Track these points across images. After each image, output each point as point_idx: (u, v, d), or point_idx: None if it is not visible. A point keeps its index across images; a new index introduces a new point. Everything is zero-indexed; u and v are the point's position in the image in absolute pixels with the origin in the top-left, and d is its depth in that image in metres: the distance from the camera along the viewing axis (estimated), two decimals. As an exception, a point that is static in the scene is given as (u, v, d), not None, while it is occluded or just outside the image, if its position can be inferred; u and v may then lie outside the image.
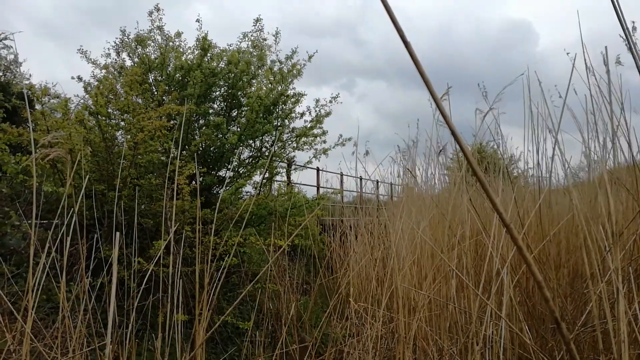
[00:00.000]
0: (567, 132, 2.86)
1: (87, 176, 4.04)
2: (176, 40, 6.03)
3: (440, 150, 3.62)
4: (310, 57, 5.98)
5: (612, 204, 1.69)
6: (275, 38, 6.01)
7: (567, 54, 2.54)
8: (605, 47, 2.38)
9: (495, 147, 3.88)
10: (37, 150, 2.09)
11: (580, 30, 2.33)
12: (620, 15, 1.26)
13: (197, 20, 5.76)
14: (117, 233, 1.70)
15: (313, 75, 5.97)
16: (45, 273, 2.01)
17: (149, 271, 2.63)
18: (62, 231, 2.10)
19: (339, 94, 6.06)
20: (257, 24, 5.87)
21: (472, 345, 2.21)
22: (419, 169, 4.14)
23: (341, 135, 6.03)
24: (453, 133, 0.46)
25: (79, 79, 5.50)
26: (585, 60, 2.39)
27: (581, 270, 2.90)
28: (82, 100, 5.20)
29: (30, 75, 12.00)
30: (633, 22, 2.69)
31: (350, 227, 6.47)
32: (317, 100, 6.00)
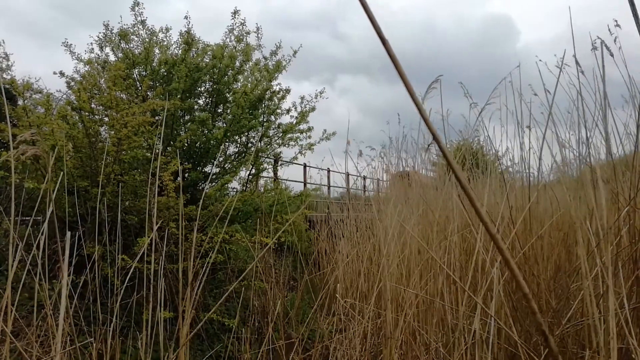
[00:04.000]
0: (548, 127, 2.87)
1: (70, 172, 3.98)
2: (160, 34, 5.96)
3: (428, 147, 3.63)
4: (295, 53, 5.95)
5: (603, 200, 1.70)
6: (257, 34, 5.97)
7: (555, 55, 2.55)
8: (601, 41, 2.40)
9: (482, 143, 3.90)
10: (17, 146, 2.05)
11: (572, 28, 2.34)
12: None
13: (185, 17, 5.69)
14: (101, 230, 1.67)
15: (293, 70, 5.93)
16: (27, 270, 1.96)
17: (133, 268, 2.60)
18: (43, 228, 2.06)
19: (324, 88, 6.04)
20: (236, 17, 5.80)
21: (458, 341, 2.22)
22: (406, 166, 4.15)
23: (325, 130, 6.02)
24: (433, 135, 0.45)
25: (62, 74, 5.40)
26: (574, 55, 2.41)
27: (564, 265, 2.93)
28: (64, 96, 5.11)
29: (13, 69, 11.76)
30: (616, 20, 2.71)
31: (337, 222, 6.47)
32: (303, 97, 5.98)
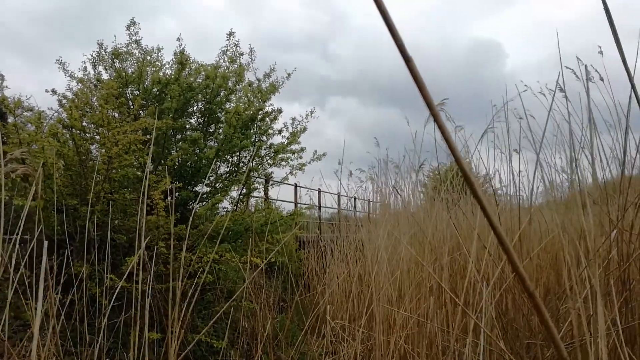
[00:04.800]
0: (530, 150, 2.92)
1: (60, 190, 3.95)
2: (154, 54, 5.99)
3: (420, 167, 3.66)
4: (289, 75, 6.02)
5: (591, 222, 1.72)
6: (251, 55, 6.03)
7: (537, 82, 2.61)
8: (585, 65, 2.46)
9: (472, 166, 3.94)
10: (6, 164, 2.04)
11: (558, 49, 2.40)
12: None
13: (178, 39, 5.75)
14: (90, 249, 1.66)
15: (284, 92, 5.97)
16: (14, 289, 1.94)
17: (121, 288, 2.57)
18: (31, 246, 2.04)
19: (314, 108, 6.09)
20: (231, 38, 5.87)
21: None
22: (396, 188, 4.17)
23: (316, 151, 6.06)
24: (454, 154, 0.45)
25: (53, 92, 5.40)
26: (558, 81, 2.46)
27: (553, 287, 2.94)
28: (56, 114, 5.10)
29: (4, 87, 11.69)
30: (600, 47, 2.79)
31: (328, 243, 6.45)
32: (294, 119, 6.03)
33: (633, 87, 1.45)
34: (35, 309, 2.31)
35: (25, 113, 5.01)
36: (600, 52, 2.68)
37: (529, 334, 2.65)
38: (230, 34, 5.86)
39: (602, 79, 2.48)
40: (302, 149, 5.99)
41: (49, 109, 5.37)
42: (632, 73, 1.33)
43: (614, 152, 2.59)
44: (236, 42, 5.91)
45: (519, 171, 3.04)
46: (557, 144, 2.87)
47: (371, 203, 6.52)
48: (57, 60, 5.55)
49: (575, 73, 2.52)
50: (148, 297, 2.33)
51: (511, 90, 3.14)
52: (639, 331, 2.14)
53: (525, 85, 2.91)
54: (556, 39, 2.43)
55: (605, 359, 1.39)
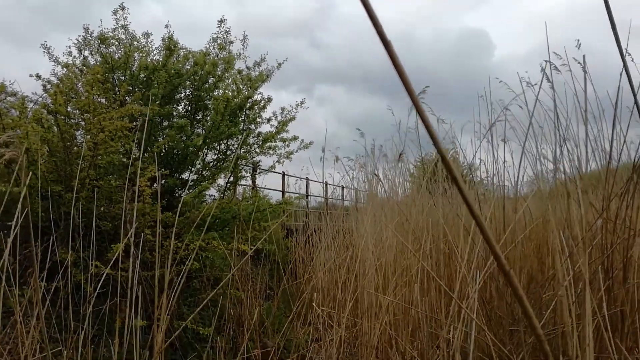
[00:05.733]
0: (515, 141, 2.94)
1: (44, 176, 3.90)
2: (142, 40, 5.91)
3: (400, 155, 3.68)
4: (279, 65, 5.97)
5: (583, 210, 1.74)
6: (243, 43, 5.97)
7: (526, 71, 2.62)
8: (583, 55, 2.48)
9: (456, 155, 3.97)
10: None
11: (546, 41, 2.41)
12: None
13: (166, 26, 5.66)
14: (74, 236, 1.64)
15: (272, 80, 5.92)
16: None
17: (106, 275, 2.55)
18: (13, 233, 2.02)
19: (304, 99, 6.06)
20: (222, 25, 5.80)
21: (434, 349, 2.24)
22: (382, 177, 4.19)
23: (302, 140, 6.03)
24: (435, 142, 0.45)
25: (38, 76, 5.31)
26: (543, 71, 2.48)
27: (537, 275, 2.99)
28: (40, 99, 5.02)
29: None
30: (578, 40, 2.80)
31: (315, 231, 6.47)
32: (283, 108, 5.99)
33: (629, 79, 1.47)
34: (19, 295, 2.29)
35: (8, 98, 4.92)
36: (577, 46, 2.69)
37: (512, 322, 2.69)
38: (222, 21, 5.79)
39: (585, 72, 2.50)
40: (295, 138, 5.96)
41: (33, 93, 5.29)
42: (627, 63, 1.34)
43: (598, 142, 2.62)
44: (227, 30, 5.84)
45: (504, 161, 3.06)
46: (542, 134, 2.89)
47: (358, 192, 6.54)
48: (42, 44, 5.45)
49: (557, 67, 2.54)
50: (135, 284, 2.32)
51: (501, 77, 3.15)
52: (621, 318, 2.19)
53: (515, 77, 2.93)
54: (544, 30, 2.45)
55: (591, 345, 1.42)
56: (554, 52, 2.61)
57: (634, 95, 1.50)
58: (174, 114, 5.67)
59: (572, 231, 1.96)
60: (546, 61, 2.57)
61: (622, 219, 2.18)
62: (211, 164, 5.89)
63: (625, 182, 2.16)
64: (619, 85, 2.34)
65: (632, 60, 2.11)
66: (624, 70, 1.39)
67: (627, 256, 2.09)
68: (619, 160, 2.51)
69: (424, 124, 0.46)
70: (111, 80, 5.51)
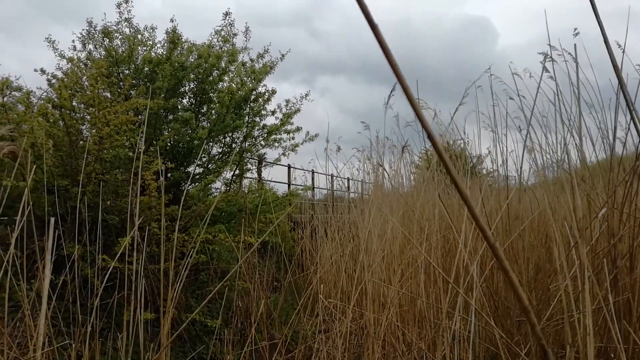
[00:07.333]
0: (526, 131, 2.92)
1: (50, 170, 3.92)
2: (145, 33, 5.90)
3: (404, 147, 3.66)
4: (283, 56, 5.96)
5: (578, 200, 1.73)
6: (246, 35, 5.94)
7: (529, 59, 2.59)
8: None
9: (463, 146, 3.94)
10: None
11: (548, 31, 2.38)
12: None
13: (172, 20, 5.65)
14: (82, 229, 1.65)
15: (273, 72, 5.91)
16: (4, 270, 1.93)
17: (113, 268, 2.57)
18: (20, 226, 2.03)
19: (309, 91, 6.05)
20: (227, 18, 5.79)
21: (440, 340, 2.24)
22: (387, 167, 4.17)
23: (308, 132, 6.02)
24: (429, 135, 0.44)
25: (42, 71, 5.32)
26: (542, 62, 2.44)
27: (544, 266, 2.97)
28: (45, 94, 5.03)
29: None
30: (576, 29, 2.75)
31: (321, 223, 6.47)
32: (288, 101, 5.98)
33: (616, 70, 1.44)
34: (27, 289, 2.31)
35: (13, 93, 4.93)
36: (575, 35, 2.64)
37: (520, 312, 2.68)
38: (227, 14, 5.77)
39: (576, 62, 2.46)
40: (298, 129, 5.95)
41: (37, 88, 5.31)
42: (613, 53, 1.32)
43: (601, 131, 2.59)
44: (231, 22, 5.82)
45: (510, 151, 3.04)
46: (547, 124, 2.86)
47: (364, 184, 6.53)
48: (46, 38, 5.45)
49: (551, 58, 2.50)
50: (142, 277, 2.33)
51: (502, 67, 3.12)
52: (628, 307, 2.17)
53: (515, 68, 2.89)
54: (550, 17, 2.41)
55: (592, 334, 1.41)
56: (559, 42, 2.58)
57: (620, 84, 1.48)
58: (179, 107, 5.67)
59: (575, 221, 1.94)
60: (545, 53, 2.53)
61: (628, 207, 2.16)
62: (216, 157, 5.89)
63: (630, 169, 2.14)
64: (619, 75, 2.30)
65: (619, 47, 2.07)
66: (620, 60, 1.36)
67: (632, 245, 2.07)
68: (624, 147, 2.48)
69: (411, 104, 0.45)
70: (115, 74, 5.51)
